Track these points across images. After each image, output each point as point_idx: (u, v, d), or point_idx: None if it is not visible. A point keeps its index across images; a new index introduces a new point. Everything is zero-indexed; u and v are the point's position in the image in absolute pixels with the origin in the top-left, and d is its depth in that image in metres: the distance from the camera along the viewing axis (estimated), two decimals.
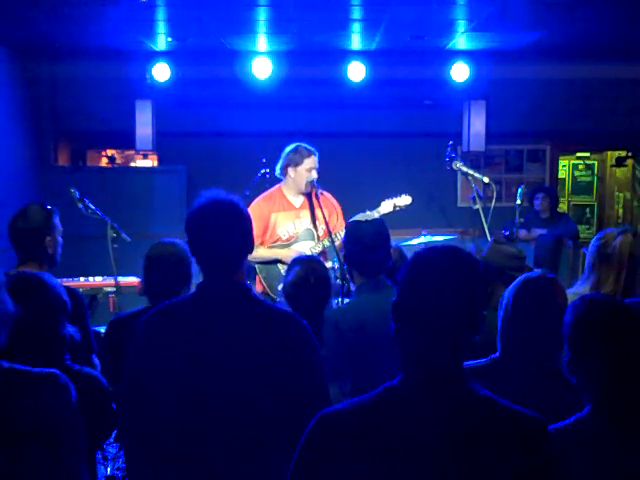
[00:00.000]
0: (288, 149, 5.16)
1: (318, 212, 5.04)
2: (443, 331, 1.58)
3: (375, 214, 5.13)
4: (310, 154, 5.10)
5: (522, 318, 2.36)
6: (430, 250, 1.67)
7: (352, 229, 3.31)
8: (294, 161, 5.11)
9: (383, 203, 5.28)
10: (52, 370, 1.94)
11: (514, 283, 2.44)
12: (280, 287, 4.18)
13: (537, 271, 2.52)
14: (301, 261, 3.66)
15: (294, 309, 3.51)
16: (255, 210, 5.12)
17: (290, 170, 5.13)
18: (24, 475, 1.84)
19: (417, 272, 1.63)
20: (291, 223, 5.19)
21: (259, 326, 2.24)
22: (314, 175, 5.08)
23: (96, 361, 3.24)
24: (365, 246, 3.19)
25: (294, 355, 2.22)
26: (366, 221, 3.31)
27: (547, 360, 2.34)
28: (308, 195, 5.16)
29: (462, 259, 1.64)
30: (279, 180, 5.32)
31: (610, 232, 3.42)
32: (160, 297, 3.16)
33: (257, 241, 5.02)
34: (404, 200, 5.32)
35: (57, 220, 3.48)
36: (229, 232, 2.26)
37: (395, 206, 5.28)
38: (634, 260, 3.33)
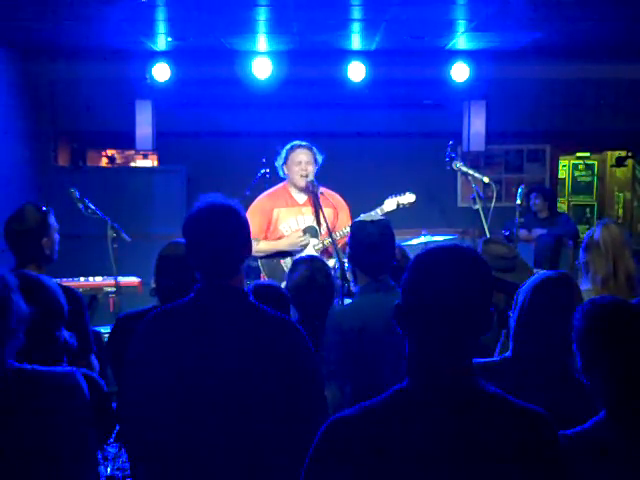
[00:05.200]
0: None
1: (320, 211, 5.03)
2: (450, 333, 1.55)
3: (378, 211, 5.12)
4: (296, 148, 5.11)
5: (538, 318, 2.33)
6: (432, 251, 1.63)
7: (356, 229, 3.30)
8: (284, 158, 5.15)
9: (386, 201, 5.24)
10: (68, 370, 1.97)
11: (530, 282, 2.40)
12: (282, 286, 4.19)
13: (554, 271, 2.50)
14: (305, 261, 3.67)
15: (301, 310, 3.52)
16: (258, 206, 5.15)
17: (284, 167, 5.17)
18: (32, 475, 1.85)
19: (420, 274, 1.60)
20: (293, 219, 5.19)
21: (255, 331, 2.24)
22: (306, 169, 5.05)
23: (94, 361, 3.23)
24: (369, 246, 3.18)
25: (290, 360, 2.22)
26: (371, 221, 3.30)
27: (559, 361, 2.32)
28: (311, 193, 5.16)
29: (465, 257, 1.60)
30: (279, 180, 5.33)
31: (593, 228, 3.53)
32: (172, 297, 3.13)
33: (260, 237, 5.05)
34: (408, 198, 5.28)
35: (52, 219, 3.47)
36: (226, 236, 2.26)
37: (399, 204, 5.24)
38: (617, 244, 3.40)
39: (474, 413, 1.55)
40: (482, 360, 2.40)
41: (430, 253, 1.63)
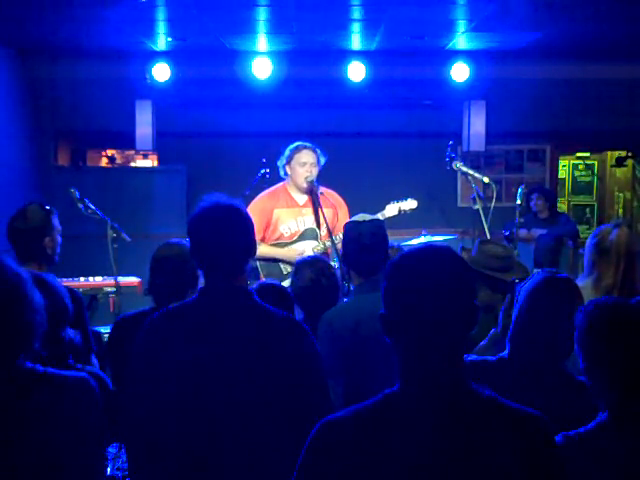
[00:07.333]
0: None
1: (320, 212, 5.02)
2: (436, 336, 1.54)
3: (379, 217, 5.11)
4: (301, 149, 5.08)
5: (538, 319, 2.32)
6: (406, 255, 1.61)
7: (349, 229, 3.29)
8: (287, 157, 5.13)
9: (388, 206, 5.22)
10: (82, 375, 1.95)
11: (530, 282, 2.39)
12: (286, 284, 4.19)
13: (554, 271, 2.47)
14: (309, 263, 3.67)
15: (305, 311, 3.52)
16: (258, 205, 5.13)
17: (287, 167, 5.15)
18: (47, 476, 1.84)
19: (397, 281, 1.58)
20: (293, 220, 5.18)
21: (261, 330, 2.24)
22: (310, 170, 5.04)
23: (94, 361, 3.24)
24: (362, 246, 3.17)
25: (297, 359, 2.22)
26: (364, 221, 3.29)
27: (557, 362, 2.32)
28: (311, 194, 5.14)
29: (439, 256, 1.59)
30: (279, 180, 5.32)
31: (605, 228, 3.49)
32: (166, 298, 3.12)
33: (258, 236, 5.02)
34: (410, 204, 5.27)
35: (56, 220, 3.49)
36: (231, 236, 2.26)
37: (400, 210, 5.23)
38: (631, 252, 3.38)
39: (467, 417, 1.53)
40: (478, 358, 2.39)
41: (404, 258, 1.60)
